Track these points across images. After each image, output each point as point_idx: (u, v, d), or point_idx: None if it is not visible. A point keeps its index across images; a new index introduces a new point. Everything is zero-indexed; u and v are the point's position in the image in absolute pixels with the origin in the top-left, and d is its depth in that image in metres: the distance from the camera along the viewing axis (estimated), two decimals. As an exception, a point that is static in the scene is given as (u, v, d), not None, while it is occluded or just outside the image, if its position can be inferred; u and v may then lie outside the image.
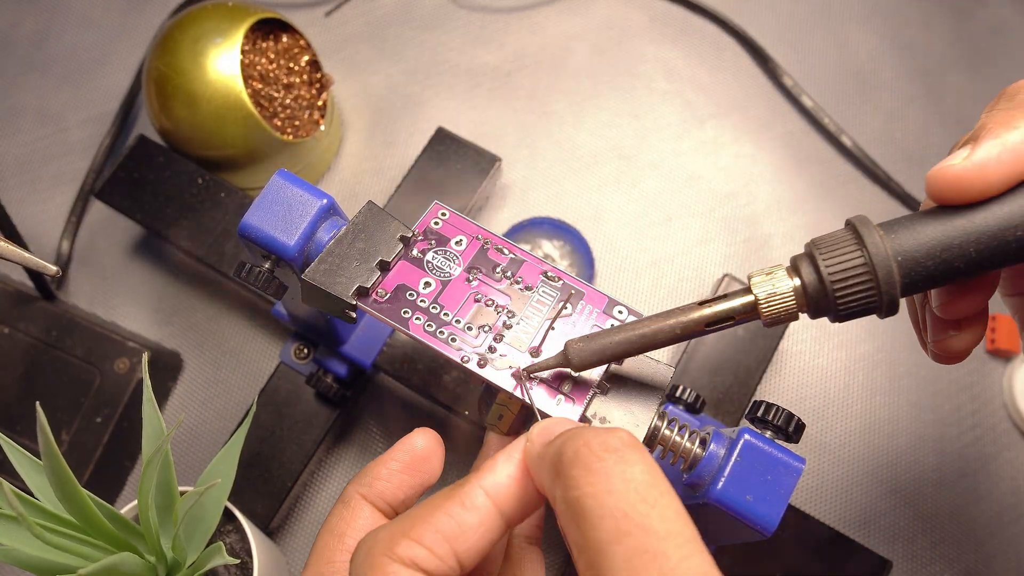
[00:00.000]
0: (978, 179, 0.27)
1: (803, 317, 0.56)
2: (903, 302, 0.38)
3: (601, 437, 0.23)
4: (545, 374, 0.31)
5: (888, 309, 0.29)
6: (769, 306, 0.29)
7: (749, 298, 0.29)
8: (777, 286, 0.29)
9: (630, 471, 0.22)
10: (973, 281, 0.30)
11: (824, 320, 0.56)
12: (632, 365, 0.31)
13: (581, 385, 0.31)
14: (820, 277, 0.29)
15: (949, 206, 0.28)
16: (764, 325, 0.30)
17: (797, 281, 0.29)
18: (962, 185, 0.27)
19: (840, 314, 0.29)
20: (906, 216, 0.29)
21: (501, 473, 0.26)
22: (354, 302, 0.32)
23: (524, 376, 0.31)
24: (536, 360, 0.31)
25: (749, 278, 0.30)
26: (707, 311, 0.29)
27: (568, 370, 0.30)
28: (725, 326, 0.29)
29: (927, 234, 0.28)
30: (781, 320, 0.29)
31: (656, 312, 0.30)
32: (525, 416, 0.32)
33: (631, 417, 0.30)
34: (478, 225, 0.34)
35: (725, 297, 0.29)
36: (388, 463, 0.30)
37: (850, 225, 0.29)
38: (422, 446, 0.30)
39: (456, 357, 0.31)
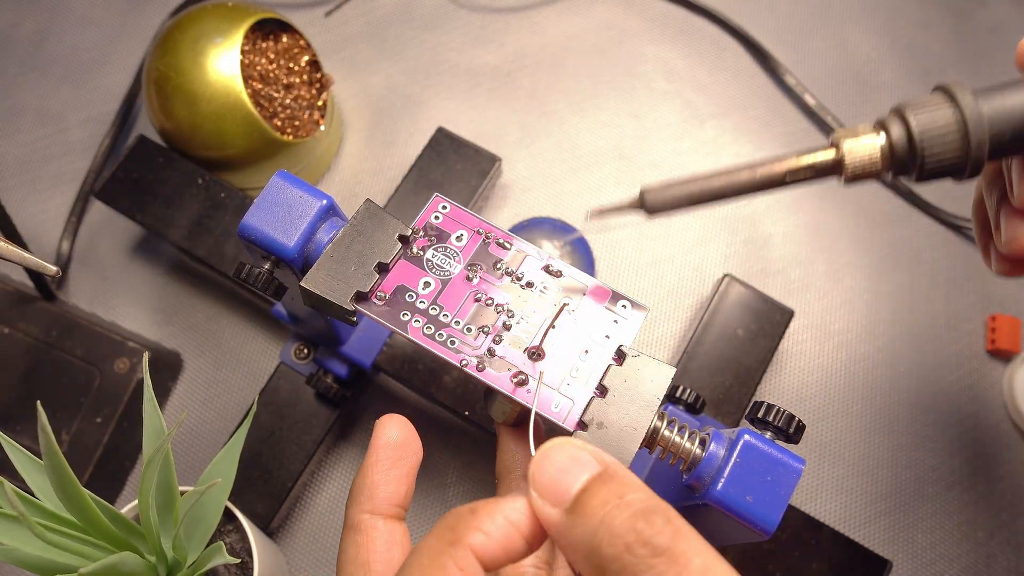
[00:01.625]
0: None
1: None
2: (971, 211, 0.37)
3: (642, 534, 0.21)
4: (550, 370, 0.31)
5: (973, 169, 0.29)
6: (853, 159, 0.29)
7: (833, 151, 0.29)
8: (862, 139, 0.29)
9: (687, 570, 0.21)
10: None
11: (824, 320, 0.56)
12: (632, 365, 0.31)
13: (579, 389, 0.31)
14: (909, 131, 0.28)
15: None
16: (844, 182, 0.29)
17: (883, 137, 0.29)
18: None
19: (925, 171, 0.29)
20: (998, 84, 0.30)
21: (495, 532, 0.24)
22: (353, 308, 0.32)
23: (595, 215, 0.30)
24: (608, 203, 0.30)
25: (833, 132, 0.29)
26: (790, 162, 0.29)
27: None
28: (806, 179, 0.29)
29: (1019, 99, 0.28)
30: (862, 176, 0.29)
31: None
32: (527, 411, 0.32)
33: (630, 418, 0.30)
34: (479, 218, 0.34)
35: (809, 151, 0.29)
36: (377, 468, 0.29)
37: (942, 88, 0.29)
38: (397, 435, 0.29)
39: (455, 361, 0.31)
